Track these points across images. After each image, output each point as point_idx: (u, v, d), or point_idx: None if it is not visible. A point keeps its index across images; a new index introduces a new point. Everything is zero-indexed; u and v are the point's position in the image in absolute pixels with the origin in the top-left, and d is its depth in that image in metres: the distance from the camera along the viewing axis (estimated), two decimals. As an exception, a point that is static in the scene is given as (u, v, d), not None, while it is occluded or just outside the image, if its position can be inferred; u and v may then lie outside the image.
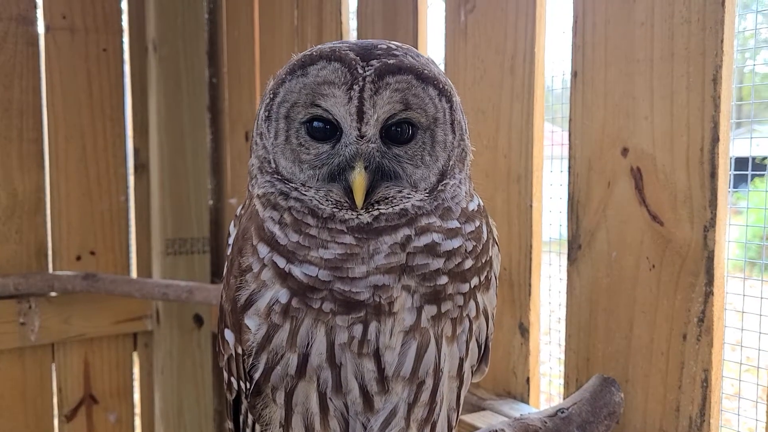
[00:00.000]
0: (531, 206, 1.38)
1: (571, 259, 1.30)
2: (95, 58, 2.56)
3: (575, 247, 1.29)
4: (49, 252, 2.52)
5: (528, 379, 1.41)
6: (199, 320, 2.68)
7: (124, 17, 2.65)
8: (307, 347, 0.83)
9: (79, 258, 2.57)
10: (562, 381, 1.37)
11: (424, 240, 0.83)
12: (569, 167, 1.30)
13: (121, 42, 2.63)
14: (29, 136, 2.44)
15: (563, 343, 1.35)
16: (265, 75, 2.34)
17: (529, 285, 1.39)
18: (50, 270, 2.51)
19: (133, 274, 2.70)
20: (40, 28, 2.48)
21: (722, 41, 1.04)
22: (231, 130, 2.62)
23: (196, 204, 2.68)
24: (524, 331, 1.41)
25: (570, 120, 1.29)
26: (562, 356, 1.36)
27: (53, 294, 2.45)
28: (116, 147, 2.62)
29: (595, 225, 1.25)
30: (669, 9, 1.11)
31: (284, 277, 0.82)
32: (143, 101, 2.67)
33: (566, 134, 1.56)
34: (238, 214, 0.95)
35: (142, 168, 2.71)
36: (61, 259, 2.54)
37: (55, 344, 2.52)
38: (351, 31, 2.00)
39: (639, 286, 1.18)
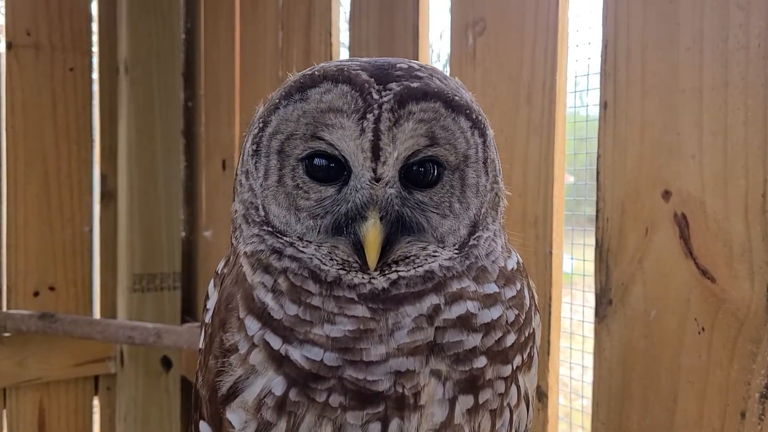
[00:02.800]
0: (551, 253, 1.21)
1: (600, 316, 1.14)
2: (61, 77, 2.39)
3: (604, 303, 1.13)
4: (4, 287, 2.32)
5: (545, 450, 1.24)
6: (167, 363, 2.47)
7: (94, 35, 2.48)
8: None
9: (36, 294, 2.36)
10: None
11: (457, 310, 0.66)
12: (597, 210, 1.14)
13: (90, 61, 2.48)
14: (-15, 160, 2.25)
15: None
16: (245, 99, 2.17)
17: (548, 342, 1.22)
18: (4, 306, 2.31)
19: (97, 311, 2.49)
20: (2, 45, 2.30)
21: (789, 70, 0.89)
22: (207, 157, 2.43)
23: (168, 236, 2.49)
24: (542, 395, 1.24)
25: (598, 157, 1.14)
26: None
27: (6, 334, 2.23)
28: (82, 173, 2.44)
29: (629, 277, 1.09)
30: (722, 33, 0.96)
31: (280, 361, 0.64)
32: (113, 125, 2.50)
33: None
34: (219, 273, 0.77)
35: (109, 196, 2.52)
36: (17, 294, 2.34)
37: (6, 389, 2.33)
38: (341, 56, 1.84)
39: (685, 352, 1.02)
